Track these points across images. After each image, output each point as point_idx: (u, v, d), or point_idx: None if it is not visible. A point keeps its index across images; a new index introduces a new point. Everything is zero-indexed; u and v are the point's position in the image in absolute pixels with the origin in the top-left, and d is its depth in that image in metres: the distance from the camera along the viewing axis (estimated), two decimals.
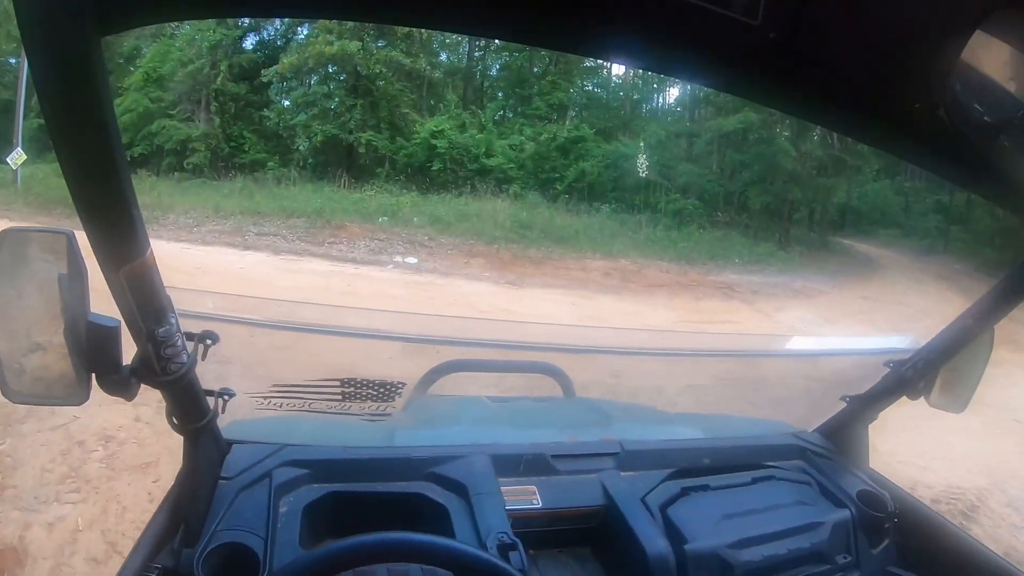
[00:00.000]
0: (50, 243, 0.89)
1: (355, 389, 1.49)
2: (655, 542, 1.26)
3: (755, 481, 1.49)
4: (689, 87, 19.55)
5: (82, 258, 0.86)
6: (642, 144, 18.37)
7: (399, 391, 1.54)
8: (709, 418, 2.04)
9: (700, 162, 18.77)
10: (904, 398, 1.50)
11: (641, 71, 20.06)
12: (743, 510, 1.38)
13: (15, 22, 0.58)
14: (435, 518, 1.27)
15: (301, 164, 18.46)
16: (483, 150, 18.02)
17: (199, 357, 1.03)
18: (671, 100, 20.93)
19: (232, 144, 19.24)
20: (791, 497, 1.47)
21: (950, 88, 0.61)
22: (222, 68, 19.17)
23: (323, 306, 1.99)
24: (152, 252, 0.81)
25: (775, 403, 2.13)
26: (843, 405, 1.67)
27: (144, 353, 0.94)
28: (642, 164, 18.00)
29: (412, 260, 13.34)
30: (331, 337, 1.55)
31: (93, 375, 0.91)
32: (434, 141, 18.14)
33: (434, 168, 17.91)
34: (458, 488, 1.31)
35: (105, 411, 4.60)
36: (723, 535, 1.30)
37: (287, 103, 19.37)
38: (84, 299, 0.88)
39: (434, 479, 1.34)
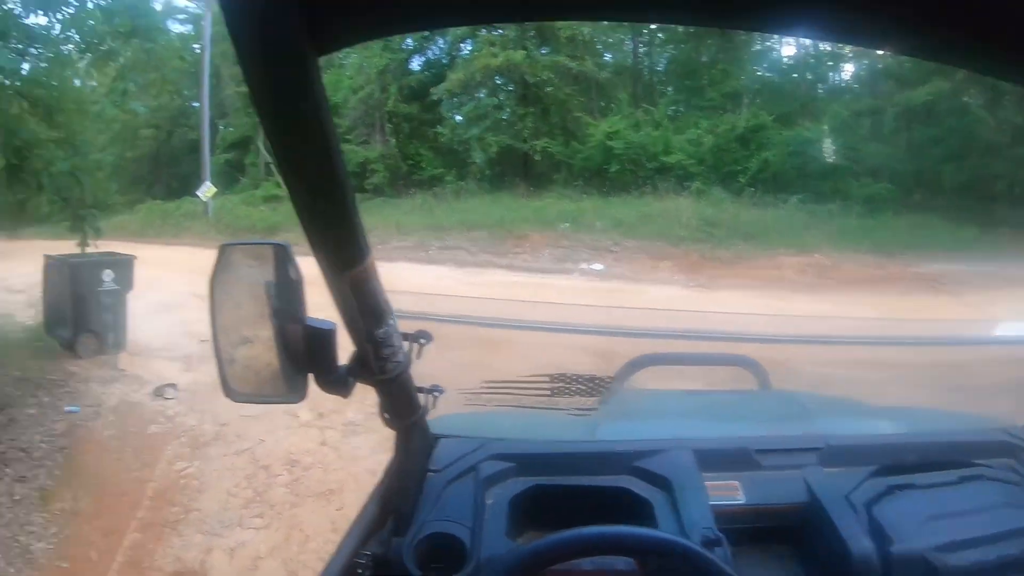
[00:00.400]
0: (265, 254, 0.96)
1: (564, 384, 1.50)
2: (860, 541, 1.21)
3: (963, 480, 1.39)
4: (865, 60, 18.15)
5: (298, 266, 0.93)
6: (825, 127, 17.25)
7: (606, 385, 1.53)
8: (914, 412, 1.94)
9: (888, 141, 17.23)
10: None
11: (815, 47, 18.84)
12: (951, 511, 1.29)
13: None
14: (639, 512, 1.26)
15: (478, 176, 18.93)
16: (661, 147, 17.55)
17: (414, 356, 1.08)
18: (848, 77, 19.38)
19: (409, 162, 20.22)
20: (1002, 498, 1.37)
21: None
22: (392, 91, 20.21)
23: (529, 303, 1.82)
24: (373, 257, 0.86)
25: (984, 395, 2.03)
26: None
27: (363, 353, 0.99)
28: (827, 148, 16.90)
29: (598, 266, 13.20)
30: (541, 333, 1.47)
31: (311, 375, 0.97)
32: (610, 143, 18.04)
33: (612, 170, 17.67)
34: (662, 482, 1.31)
35: (292, 435, 4.76)
36: (930, 537, 1.22)
37: (459, 118, 20.02)
38: (301, 304, 0.94)
39: (637, 473, 1.34)
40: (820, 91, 19.63)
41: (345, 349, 0.98)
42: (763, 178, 16.82)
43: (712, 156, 17.56)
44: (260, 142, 22.75)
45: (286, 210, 19.13)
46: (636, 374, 1.76)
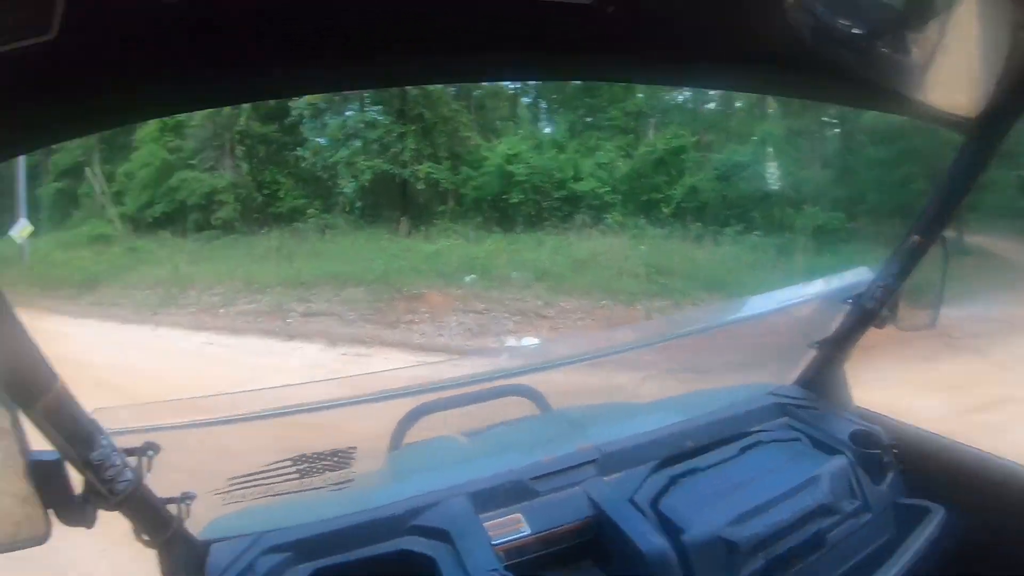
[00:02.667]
0: None
1: (308, 463, 1.44)
2: (651, 539, 1.28)
3: (742, 451, 1.52)
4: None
5: (7, 398, 0.87)
6: (759, 149, 16.04)
7: (352, 455, 1.48)
8: (686, 398, 2.06)
9: (831, 164, 16.29)
10: (872, 329, 1.61)
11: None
12: (736, 483, 1.40)
13: None
14: (422, 572, 1.28)
15: (347, 209, 17.14)
16: (569, 173, 15.87)
17: (145, 470, 1.07)
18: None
19: (265, 192, 17.84)
20: (783, 458, 1.51)
21: (786, 8, 0.71)
22: (245, 107, 17.48)
23: (265, 390, 1.61)
24: (62, 380, 0.87)
25: (749, 369, 2.18)
26: (815, 352, 1.79)
27: (87, 480, 0.98)
28: (766, 173, 15.71)
29: (531, 341, 9.84)
30: (273, 419, 1.44)
31: (51, 511, 0.95)
32: (509, 167, 16.06)
33: (513, 200, 15.78)
34: (441, 535, 1.33)
35: None
36: (720, 515, 1.32)
37: (322, 140, 17.91)
38: (20, 436, 0.90)
39: (416, 531, 1.36)
40: (740, 108, 18.55)
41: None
42: (690, 207, 15.34)
43: (628, 183, 15.97)
44: (94, 168, 18.86)
45: (112, 256, 17.03)
46: (415, 429, 1.78)
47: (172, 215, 18.15)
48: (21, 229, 17.90)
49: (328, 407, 1.47)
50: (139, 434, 1.12)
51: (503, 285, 11.90)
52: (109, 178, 20.05)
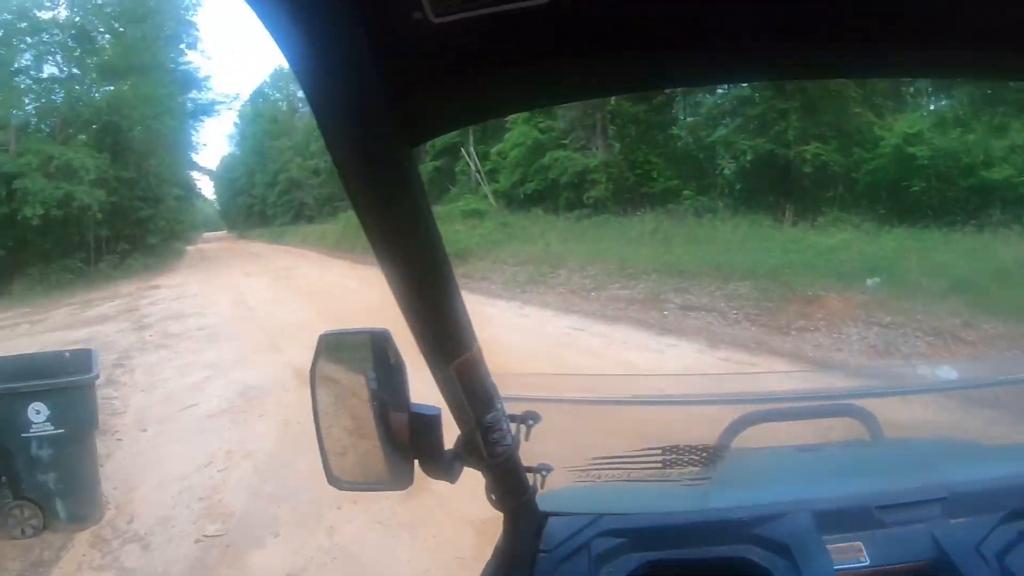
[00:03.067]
0: (365, 341, 1.00)
1: (676, 455, 1.45)
2: None
3: None
4: None
5: (398, 352, 0.96)
6: None
7: (715, 453, 1.50)
8: None
9: None
10: None
11: None
12: None
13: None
14: None
15: (726, 191, 16.40)
16: (979, 158, 13.37)
17: (522, 438, 1.14)
18: None
19: (637, 172, 18.29)
20: None
21: None
22: None
23: (636, 376, 2.06)
24: (479, 346, 0.91)
25: None
26: None
27: (470, 438, 1.03)
28: None
29: (950, 374, 7.39)
30: (649, 407, 1.57)
31: (416, 461, 1.01)
32: (910, 149, 13.93)
33: (913, 188, 13.90)
34: (781, 549, 1.28)
35: None
36: None
37: (696, 118, 16.33)
38: (405, 390, 0.98)
39: (755, 541, 1.31)
40: None
41: (450, 432, 1.03)
42: None
43: None
44: (469, 148, 20.51)
45: (485, 230, 18.26)
46: (742, 435, 1.71)
47: (543, 193, 19.06)
48: None
49: (700, 403, 1.53)
50: (524, 403, 1.19)
51: (911, 294, 9.64)
52: (483, 157, 21.90)
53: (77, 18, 26.02)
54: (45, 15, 24.95)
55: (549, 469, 1.26)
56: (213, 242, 48.31)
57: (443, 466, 1.02)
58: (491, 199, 21.02)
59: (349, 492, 1.18)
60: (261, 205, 51.78)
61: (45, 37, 25.51)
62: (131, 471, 5.87)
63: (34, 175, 22.14)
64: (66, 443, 4.62)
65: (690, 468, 1.48)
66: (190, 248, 39.14)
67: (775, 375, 4.43)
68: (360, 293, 12.64)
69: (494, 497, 1.20)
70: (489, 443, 1.03)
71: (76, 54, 26.27)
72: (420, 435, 1.00)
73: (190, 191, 39.53)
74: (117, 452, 6.41)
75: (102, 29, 26.95)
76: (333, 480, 1.05)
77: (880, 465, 1.71)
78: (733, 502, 1.42)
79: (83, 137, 25.54)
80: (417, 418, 1.00)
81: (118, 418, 7.46)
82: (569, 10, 0.55)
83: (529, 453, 1.19)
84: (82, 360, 5.12)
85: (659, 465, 1.46)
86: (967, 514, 1.35)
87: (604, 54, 0.60)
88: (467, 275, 14.55)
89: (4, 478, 4.65)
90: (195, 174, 41.27)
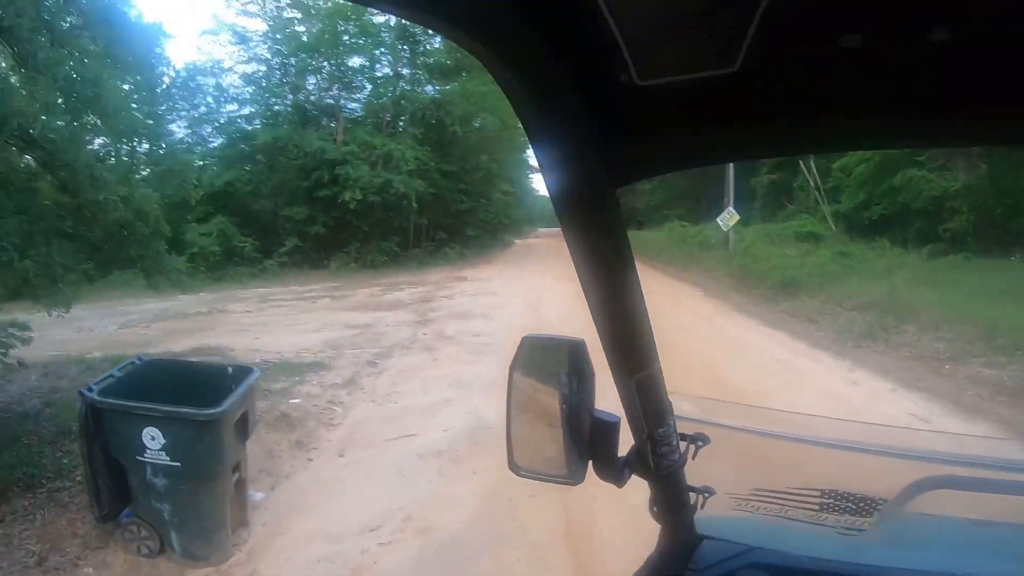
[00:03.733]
0: (563, 348, 1.11)
1: (835, 500, 1.43)
2: None
3: None
4: None
5: (591, 362, 1.09)
6: None
7: (878, 507, 1.44)
8: None
9: None
10: None
11: None
12: None
13: None
14: None
15: None
16: None
17: (689, 457, 1.22)
18: None
19: (1007, 201, 14.72)
20: None
21: None
22: None
23: (812, 417, 2.04)
24: (659, 365, 1.03)
25: None
26: None
27: (641, 449, 1.14)
28: None
29: None
30: (816, 448, 1.52)
31: (591, 462, 1.13)
32: None
33: None
34: None
35: None
36: None
37: None
38: (591, 397, 1.11)
39: None
40: None
41: (624, 444, 1.15)
42: None
43: None
44: (809, 161, 19.23)
45: (819, 259, 16.16)
46: (920, 498, 1.56)
47: (891, 219, 16.74)
48: (728, 217, 19.57)
49: (874, 452, 1.46)
50: (695, 424, 1.25)
51: None
52: (824, 173, 19.85)
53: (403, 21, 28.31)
54: (377, 18, 27.43)
55: (711, 492, 1.32)
56: (544, 238, 48.04)
57: (614, 470, 1.14)
58: (830, 221, 19.14)
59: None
60: None
61: (374, 40, 28.29)
62: (293, 508, 5.26)
63: (357, 163, 24.71)
64: (183, 477, 4.21)
65: (847, 517, 1.45)
66: (518, 242, 40.90)
67: (972, 438, 3.87)
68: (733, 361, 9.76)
69: (655, 509, 1.30)
70: (658, 456, 1.14)
71: (405, 56, 28.89)
72: (598, 438, 1.11)
73: (522, 188, 42.59)
74: (298, 476, 5.90)
75: (429, 32, 29.25)
76: (513, 466, 1.15)
77: None
78: (890, 562, 1.39)
79: (408, 130, 27.74)
80: (598, 423, 1.11)
81: (328, 431, 6.99)
82: (757, 78, 0.63)
83: (694, 473, 1.27)
84: (236, 379, 4.73)
85: (816, 508, 1.44)
86: None
87: (789, 117, 0.70)
88: (792, 313, 13.10)
89: (116, 493, 4.36)
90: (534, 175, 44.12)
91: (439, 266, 25.50)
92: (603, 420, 1.11)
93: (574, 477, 1.10)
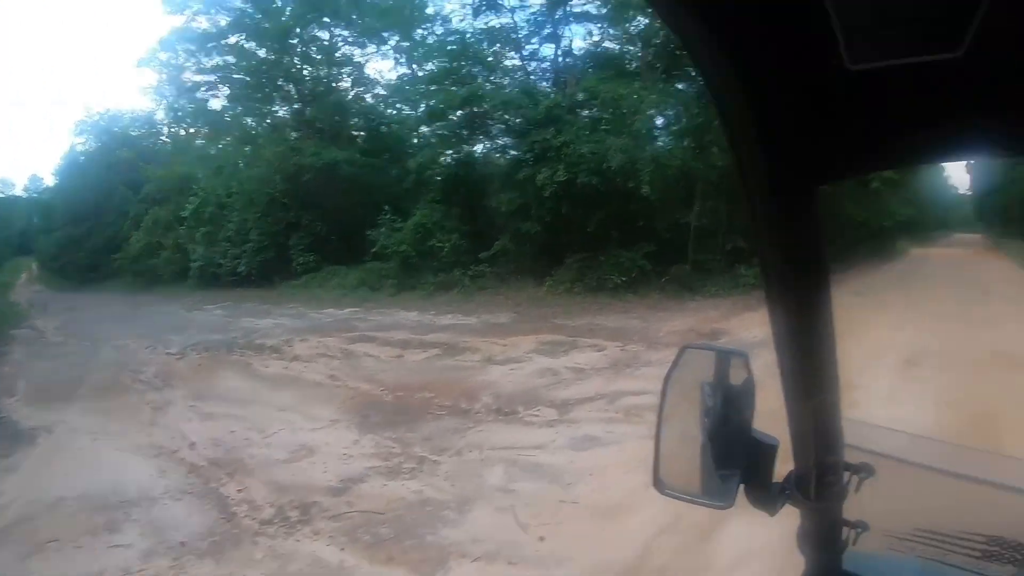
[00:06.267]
0: (724, 360, 1.07)
1: (999, 549, 1.32)
2: None
3: None
4: None
5: (754, 378, 1.04)
6: None
7: None
8: None
9: None
10: None
11: None
12: None
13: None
14: None
15: None
16: None
17: (852, 488, 1.13)
18: None
19: None
20: None
21: None
22: None
23: (995, 455, 1.66)
24: (840, 393, 0.94)
25: None
26: None
27: (803, 476, 1.05)
28: None
29: None
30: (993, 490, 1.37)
31: (742, 485, 1.06)
32: None
33: None
34: None
35: None
36: None
37: None
38: (750, 414, 1.04)
39: None
40: None
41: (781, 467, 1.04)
42: None
43: None
44: None
45: None
46: None
47: None
48: None
49: None
50: (863, 453, 1.16)
51: None
52: None
53: None
54: None
55: (866, 528, 1.22)
56: (956, 247, 38.01)
57: (768, 497, 1.07)
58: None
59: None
60: None
61: None
62: None
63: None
64: None
65: (1011, 567, 1.33)
66: (916, 252, 31.96)
67: None
68: None
69: (803, 541, 1.21)
70: (820, 485, 1.04)
71: None
72: (753, 461, 1.04)
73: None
74: None
75: None
76: (658, 483, 1.12)
77: None
78: None
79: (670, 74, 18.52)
80: (755, 444, 1.04)
81: None
82: (986, 63, 0.56)
83: (851, 506, 1.19)
84: None
85: (979, 555, 1.34)
86: None
87: (1019, 110, 0.61)
88: None
89: None
90: None
91: (729, 294, 15.12)
92: (761, 442, 1.04)
93: (722, 500, 1.05)
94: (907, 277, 20.01)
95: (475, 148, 20.08)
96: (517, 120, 17.99)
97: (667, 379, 1.08)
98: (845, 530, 1.21)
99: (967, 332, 11.23)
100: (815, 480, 1.02)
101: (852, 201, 20.17)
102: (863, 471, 1.12)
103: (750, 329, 11.27)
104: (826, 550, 1.20)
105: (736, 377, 1.04)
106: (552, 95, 17.79)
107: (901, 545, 1.35)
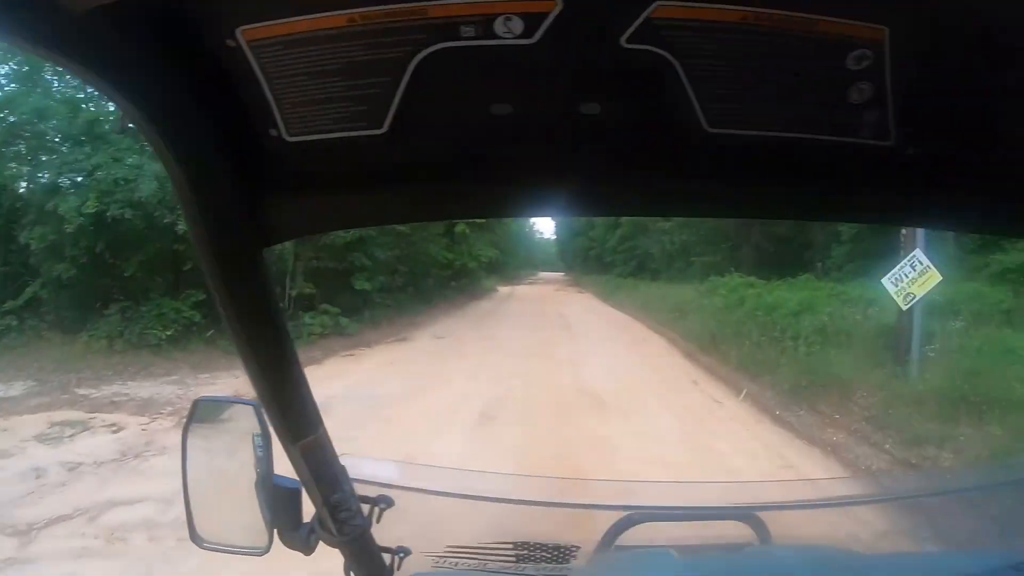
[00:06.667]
0: (237, 412, 1.10)
1: (528, 551, 1.49)
2: None
3: None
4: None
5: (268, 426, 1.03)
6: None
7: (573, 554, 1.52)
8: (922, 557, 1.95)
9: None
10: None
11: None
12: None
13: None
14: None
15: None
16: None
17: (374, 520, 1.20)
18: None
19: None
20: None
21: None
22: None
23: (492, 474, 1.84)
24: (325, 430, 0.99)
25: (999, 537, 2.15)
26: None
27: (321, 515, 1.10)
28: None
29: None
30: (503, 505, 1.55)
31: (276, 530, 1.09)
32: None
33: None
34: None
35: None
36: None
37: None
38: (269, 462, 1.06)
39: None
40: None
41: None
42: None
43: None
44: None
45: None
46: (627, 535, 1.69)
47: None
48: (915, 276, 8.58)
49: (548, 504, 1.55)
50: (377, 487, 1.23)
51: None
52: None
53: None
54: None
55: (407, 552, 1.29)
56: (540, 285, 45.41)
57: (300, 538, 1.10)
58: None
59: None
60: (599, 249, 44.94)
61: None
62: None
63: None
64: None
65: (544, 565, 1.49)
66: (503, 290, 37.41)
67: (663, 484, 3.69)
68: None
69: (348, 574, 1.26)
70: (338, 521, 1.08)
71: None
72: (281, 506, 1.08)
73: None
74: None
75: None
76: (195, 538, 1.11)
77: (762, 571, 1.66)
78: None
79: None
80: (278, 490, 1.08)
81: None
82: (404, 140, 0.64)
83: (387, 535, 1.25)
84: None
85: (513, 560, 1.47)
86: None
87: (435, 181, 0.70)
88: None
89: None
90: None
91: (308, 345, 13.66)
92: (283, 487, 1.08)
93: (259, 547, 1.09)
94: (488, 316, 21.45)
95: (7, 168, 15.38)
96: (57, 136, 14.22)
97: (184, 432, 1.10)
98: (388, 557, 1.26)
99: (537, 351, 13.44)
100: (331, 517, 1.06)
101: (435, 244, 20.98)
102: (381, 502, 1.19)
103: (316, 387, 9.72)
104: None
105: (253, 427, 1.05)
106: (94, 106, 14.12)
107: (444, 562, 1.42)
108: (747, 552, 1.72)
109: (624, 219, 36.69)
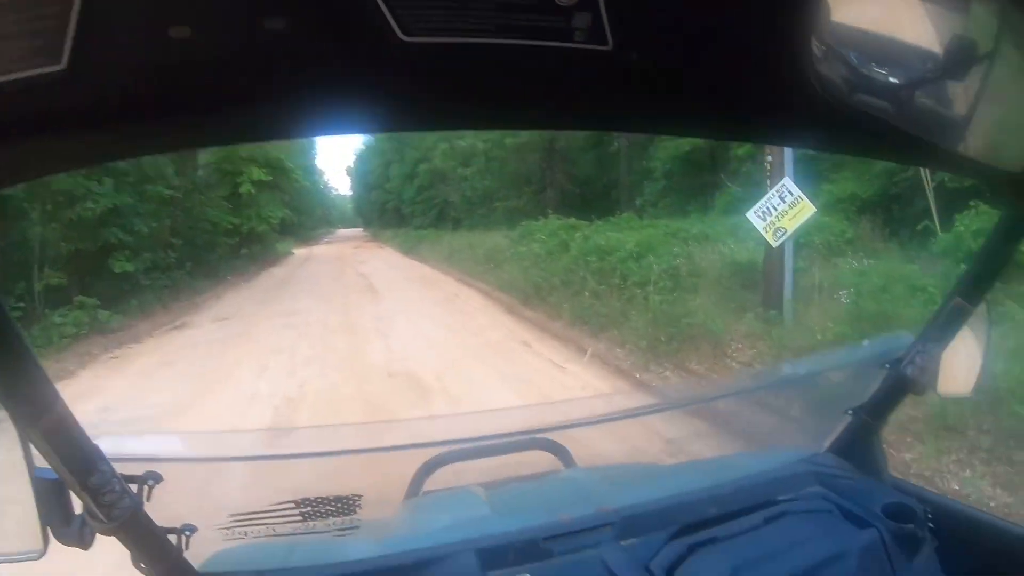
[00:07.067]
0: None
1: (312, 507, 1.43)
2: None
3: (768, 521, 1.41)
4: None
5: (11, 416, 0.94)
6: None
7: (357, 502, 1.47)
8: (714, 462, 2.06)
9: None
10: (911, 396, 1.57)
11: None
12: (758, 555, 1.31)
13: None
14: None
15: None
16: None
17: (144, 499, 1.09)
18: None
19: None
20: (811, 529, 1.41)
21: (814, 59, 0.68)
22: None
23: (269, 431, 2.16)
24: (63, 403, 0.88)
25: (782, 435, 2.15)
26: (849, 419, 1.70)
27: (84, 503, 1.01)
28: None
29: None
30: (282, 461, 1.48)
31: (48, 528, 0.99)
32: None
33: None
34: None
35: None
36: None
37: None
38: (28, 453, 0.94)
39: None
40: None
41: None
42: None
43: None
44: None
45: None
46: (434, 479, 1.81)
47: None
48: (785, 209, 7.60)
49: (336, 454, 1.43)
50: (141, 463, 1.11)
51: None
52: None
53: None
54: None
55: (192, 529, 1.20)
56: (338, 243, 43.18)
57: (73, 532, 1.01)
58: None
59: None
60: (397, 201, 44.50)
61: None
62: None
63: None
64: None
65: (332, 519, 1.44)
66: (299, 252, 35.58)
67: (465, 416, 3.88)
68: None
69: (142, 565, 1.15)
70: (103, 505, 0.99)
71: None
72: (46, 500, 0.97)
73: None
74: None
75: None
76: None
77: (560, 496, 1.67)
78: (398, 548, 1.39)
79: None
80: (40, 483, 0.97)
81: None
82: (88, 75, 0.57)
83: (167, 514, 1.15)
84: None
85: (300, 518, 1.42)
86: (638, 535, 1.38)
87: (125, 119, 0.63)
88: None
89: None
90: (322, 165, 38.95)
91: (43, 352, 10.22)
92: (45, 479, 0.96)
93: (34, 549, 0.96)
94: (282, 286, 19.33)
95: None
96: None
97: None
98: (173, 537, 1.16)
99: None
100: (95, 502, 0.97)
101: (215, 208, 18.59)
102: (149, 478, 1.08)
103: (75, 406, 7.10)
104: (163, 561, 1.14)
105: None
106: None
107: (232, 533, 1.36)
108: (550, 478, 1.81)
109: (421, 168, 37.11)
